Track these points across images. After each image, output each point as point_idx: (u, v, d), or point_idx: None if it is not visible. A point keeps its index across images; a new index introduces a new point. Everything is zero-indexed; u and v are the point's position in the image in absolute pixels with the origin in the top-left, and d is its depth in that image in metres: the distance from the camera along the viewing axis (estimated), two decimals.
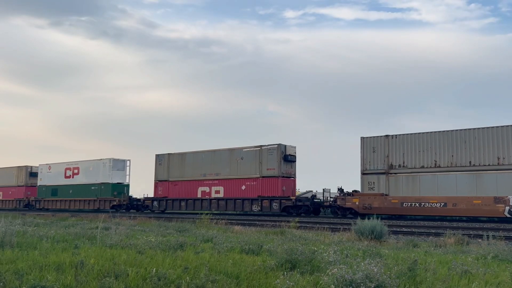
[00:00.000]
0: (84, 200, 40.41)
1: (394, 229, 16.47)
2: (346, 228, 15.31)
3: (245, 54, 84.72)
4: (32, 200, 45.69)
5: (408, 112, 77.52)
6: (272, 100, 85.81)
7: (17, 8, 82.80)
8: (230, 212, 30.93)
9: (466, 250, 9.96)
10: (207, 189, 32.39)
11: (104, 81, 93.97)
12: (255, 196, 29.42)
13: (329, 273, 5.55)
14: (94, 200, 39.50)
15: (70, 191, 42.05)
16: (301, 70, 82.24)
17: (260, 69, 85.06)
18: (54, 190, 43.63)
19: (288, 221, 18.62)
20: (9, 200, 48.59)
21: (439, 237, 13.26)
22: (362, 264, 5.78)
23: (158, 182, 35.63)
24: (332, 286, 5.16)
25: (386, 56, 76.55)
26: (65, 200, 42.23)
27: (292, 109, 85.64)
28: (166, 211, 34.33)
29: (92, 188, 39.98)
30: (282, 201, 28.19)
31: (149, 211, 35.82)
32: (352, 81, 79.51)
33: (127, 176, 40.24)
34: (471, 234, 14.45)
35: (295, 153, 30.19)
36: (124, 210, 37.11)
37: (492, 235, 12.14)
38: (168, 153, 35.17)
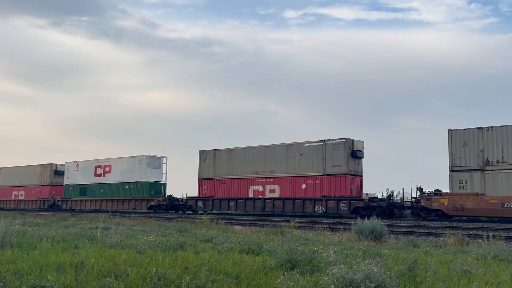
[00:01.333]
0: (118, 200, 37.69)
1: (394, 229, 16.47)
2: (346, 228, 15.32)
3: (246, 54, 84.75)
4: (58, 200, 43.03)
5: (409, 112, 77.52)
6: (272, 100, 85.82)
7: (17, 8, 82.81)
8: (289, 213, 28.56)
9: (466, 250, 9.96)
10: (260, 188, 29.48)
11: (105, 81, 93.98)
12: (319, 195, 26.54)
13: (329, 273, 5.55)
14: (129, 200, 36.83)
15: (101, 191, 39.34)
16: (301, 70, 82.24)
17: (261, 69, 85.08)
18: (83, 189, 40.96)
19: (288, 221, 18.62)
20: (32, 200, 45.55)
21: (439, 237, 13.26)
22: (362, 264, 5.79)
23: (202, 180, 32.63)
24: (332, 286, 5.16)
25: (386, 56, 76.54)
26: (96, 200, 39.56)
27: (293, 109, 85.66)
28: (212, 212, 31.08)
29: (127, 187, 37.28)
30: (352, 201, 25.43)
31: (191, 211, 33.26)
32: (352, 81, 79.49)
33: (164, 174, 37.48)
34: (471, 234, 14.46)
35: (363, 148, 27.37)
36: (162, 211, 34.91)
37: (492, 235, 12.14)
38: (214, 149, 32.33)
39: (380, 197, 26.79)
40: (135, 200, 36.53)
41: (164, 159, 37.56)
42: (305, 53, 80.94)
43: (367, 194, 28.73)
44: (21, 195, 47.05)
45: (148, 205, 35.63)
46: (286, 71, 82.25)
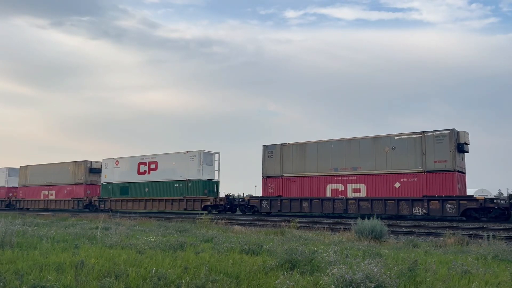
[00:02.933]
0: (166, 199, 34.56)
1: (394, 229, 16.48)
2: (346, 228, 15.32)
3: (246, 54, 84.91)
4: (94, 200, 40.07)
5: (409, 112, 77.60)
6: (272, 99, 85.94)
7: (18, 8, 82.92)
8: (383, 216, 25.21)
9: (466, 250, 9.96)
10: (340, 186, 26.32)
11: (105, 81, 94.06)
12: (418, 195, 23.52)
13: (329, 273, 5.56)
14: (180, 199, 33.72)
15: (146, 190, 36.16)
16: (302, 70, 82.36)
17: (261, 69, 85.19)
18: (124, 188, 37.75)
19: (288, 221, 18.63)
20: (64, 200, 42.59)
21: (439, 237, 13.26)
22: (362, 264, 5.79)
23: (267, 178, 29.53)
24: (332, 286, 5.16)
25: (387, 56, 76.65)
26: (139, 199, 36.44)
27: (293, 109, 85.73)
28: (279, 213, 29.04)
29: (176, 185, 34.18)
30: (461, 202, 22.48)
31: (251, 213, 30.35)
32: (353, 80, 79.62)
33: (216, 172, 34.51)
34: (471, 234, 14.45)
35: (469, 141, 24.27)
36: (218, 212, 31.90)
37: (492, 235, 12.15)
38: (281, 143, 29.18)
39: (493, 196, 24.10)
40: (186, 200, 33.40)
41: (217, 155, 34.70)
42: (305, 53, 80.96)
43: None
44: (52, 194, 44.08)
45: (203, 205, 32.53)
46: (286, 71, 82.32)
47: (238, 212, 32.15)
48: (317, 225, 18.81)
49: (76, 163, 42.46)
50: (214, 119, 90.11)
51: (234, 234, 13.40)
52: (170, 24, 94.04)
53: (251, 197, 31.01)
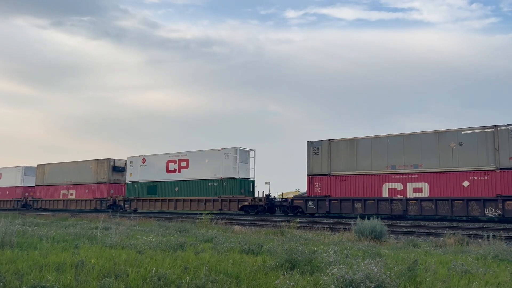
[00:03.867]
0: (198, 199, 32.35)
1: (394, 229, 16.47)
2: (346, 228, 15.32)
3: (247, 54, 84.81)
4: (119, 200, 37.68)
5: (409, 112, 77.55)
6: (273, 100, 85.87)
7: (18, 8, 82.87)
8: (447, 218, 24.50)
9: (466, 250, 9.96)
10: (399, 186, 24.31)
11: (105, 81, 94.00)
12: (491, 195, 21.59)
13: (329, 273, 5.56)
14: (214, 199, 31.51)
15: (176, 189, 34.01)
16: (302, 70, 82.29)
17: (261, 69, 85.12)
18: (152, 187, 35.61)
19: (288, 221, 18.62)
20: (86, 200, 40.34)
21: (439, 237, 13.26)
22: (362, 264, 5.79)
23: (313, 177, 27.21)
24: (332, 286, 5.16)
25: (387, 56, 76.56)
26: (169, 199, 34.23)
27: (293, 109, 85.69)
28: (327, 214, 27.03)
29: (210, 184, 32.09)
30: None
31: (292, 214, 28.17)
32: (353, 81, 79.53)
33: (252, 170, 31.93)
34: (471, 234, 14.45)
35: None
36: (256, 212, 29.86)
37: (492, 235, 12.14)
38: (328, 139, 27.01)
39: None
40: (221, 200, 31.15)
41: (252, 152, 32.17)
42: (306, 53, 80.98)
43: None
44: (72, 194, 41.80)
45: (240, 206, 30.28)
46: (286, 71, 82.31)
47: (277, 212, 30.18)
48: (317, 225, 18.81)
49: (99, 161, 40.22)
50: (214, 119, 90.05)
51: (234, 234, 13.40)
52: (170, 24, 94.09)
53: (295, 197, 28.82)
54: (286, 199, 29.35)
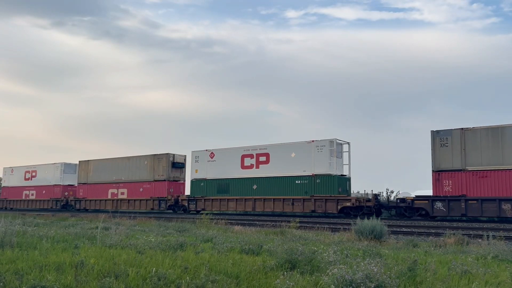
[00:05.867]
0: (284, 199, 27.56)
1: (394, 229, 16.48)
2: (346, 228, 15.33)
3: (247, 54, 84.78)
4: (182, 200, 33.20)
5: (409, 112, 77.50)
6: (273, 100, 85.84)
7: (19, 8, 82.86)
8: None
9: (466, 250, 9.96)
10: None
11: (106, 81, 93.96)
12: None
13: (329, 273, 5.56)
14: (305, 199, 26.69)
15: (254, 187, 29.46)
16: (302, 70, 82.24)
17: (262, 69, 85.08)
18: (223, 185, 31.16)
19: (288, 221, 18.63)
20: (140, 200, 35.84)
21: (439, 237, 13.26)
22: (362, 264, 5.80)
23: (440, 173, 22.88)
24: (332, 286, 5.16)
25: (387, 56, 76.53)
26: (245, 199, 29.61)
27: (293, 109, 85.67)
28: (461, 217, 23.16)
29: (297, 182, 27.55)
30: None
31: (406, 217, 23.82)
32: (353, 81, 79.48)
33: (346, 166, 27.30)
34: (471, 234, 14.45)
35: None
36: (362, 215, 22.95)
37: (492, 235, 12.15)
38: (461, 128, 22.81)
39: None
40: (314, 199, 26.34)
41: (346, 145, 27.60)
42: (306, 53, 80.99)
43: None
44: (123, 193, 37.52)
45: (339, 207, 25.54)
46: (287, 71, 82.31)
47: (385, 215, 25.47)
48: (317, 225, 18.81)
49: (156, 156, 35.85)
50: (214, 119, 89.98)
51: (234, 234, 13.40)
52: (171, 24, 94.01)
53: (417, 197, 24.38)
54: (403, 199, 24.72)
